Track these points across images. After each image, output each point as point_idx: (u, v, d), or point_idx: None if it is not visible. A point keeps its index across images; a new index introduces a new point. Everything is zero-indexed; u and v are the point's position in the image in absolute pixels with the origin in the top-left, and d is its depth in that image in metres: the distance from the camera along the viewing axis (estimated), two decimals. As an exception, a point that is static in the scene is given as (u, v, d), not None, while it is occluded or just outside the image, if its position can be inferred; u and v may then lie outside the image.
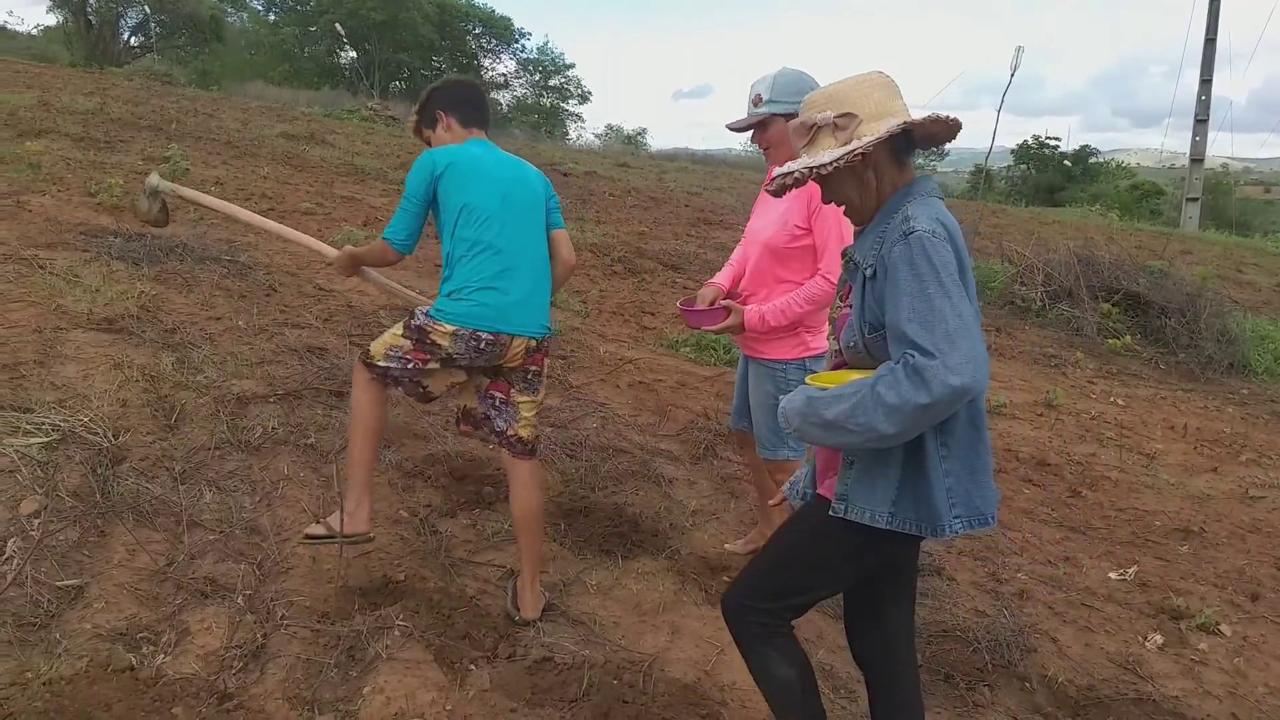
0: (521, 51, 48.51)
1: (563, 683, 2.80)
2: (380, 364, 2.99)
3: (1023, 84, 11.77)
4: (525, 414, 3.11)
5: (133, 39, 35.78)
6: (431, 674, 2.71)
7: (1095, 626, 3.75)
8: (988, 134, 11.67)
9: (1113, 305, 9.73)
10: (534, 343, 3.03)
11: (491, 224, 2.97)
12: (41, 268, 5.56)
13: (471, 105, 3.25)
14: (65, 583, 2.86)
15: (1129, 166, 47.87)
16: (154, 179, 3.74)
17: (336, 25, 33.28)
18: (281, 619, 2.91)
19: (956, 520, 1.98)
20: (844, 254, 2.19)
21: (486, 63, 48.64)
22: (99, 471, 3.43)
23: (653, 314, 8.12)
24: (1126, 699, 3.28)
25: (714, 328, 3.24)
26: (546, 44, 70.67)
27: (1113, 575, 4.22)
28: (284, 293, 6.19)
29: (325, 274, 6.59)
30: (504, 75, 49.15)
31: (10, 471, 3.32)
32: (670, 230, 12.89)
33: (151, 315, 5.08)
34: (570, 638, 3.05)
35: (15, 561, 2.87)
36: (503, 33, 47.32)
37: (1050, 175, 42.68)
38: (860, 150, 1.95)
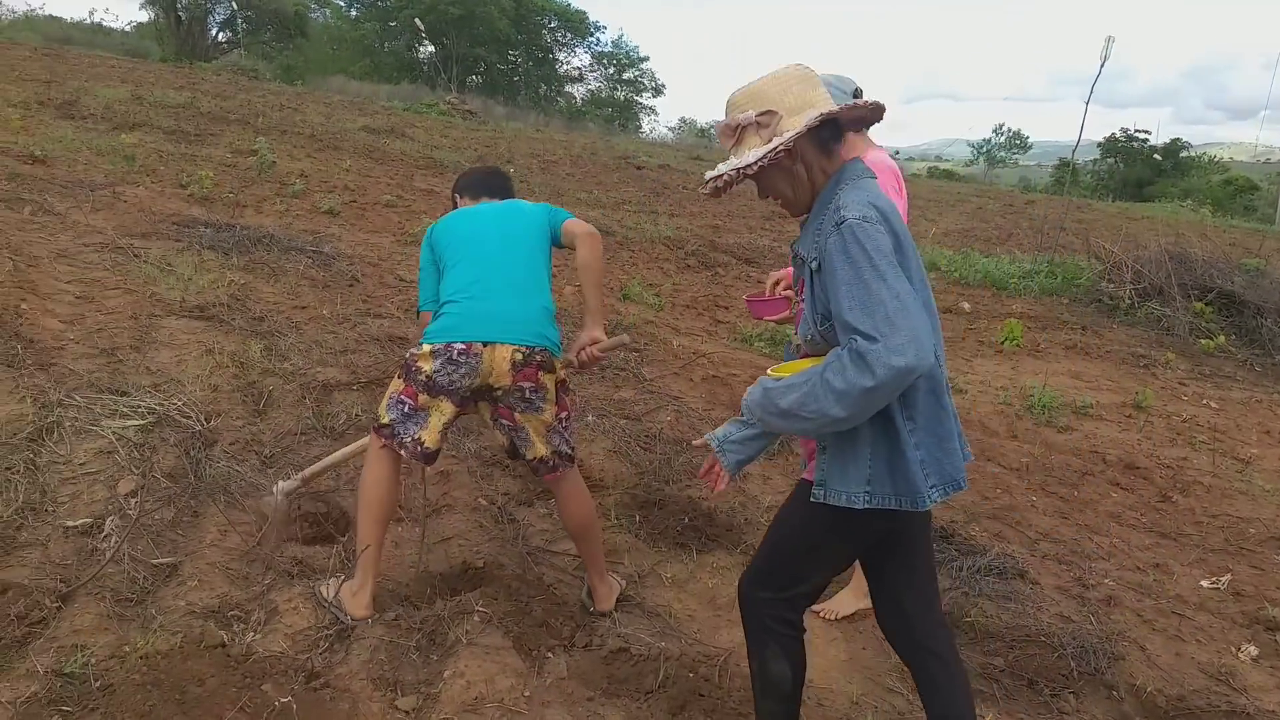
0: (596, 45, 48.71)
1: (639, 674, 2.81)
2: (385, 419, 2.91)
3: (1110, 75, 11.43)
4: (534, 436, 2.95)
5: (220, 35, 36.87)
6: (510, 660, 2.74)
7: (1186, 636, 3.62)
8: (1073, 126, 11.34)
9: (1206, 304, 9.37)
10: (519, 355, 2.83)
11: (466, 248, 2.99)
12: (137, 256, 5.77)
13: (478, 184, 3.32)
14: (160, 560, 2.97)
15: (1222, 161, 45.96)
16: (282, 485, 3.37)
17: (416, 20, 33.84)
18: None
19: (933, 489, 2.02)
20: (791, 249, 2.20)
21: (561, 56, 49.00)
22: (192, 454, 3.55)
23: (726, 308, 8.09)
24: (1219, 711, 3.16)
25: (774, 317, 3.21)
26: (621, 37, 70.81)
27: (1205, 583, 4.07)
28: (366, 283, 6.32)
29: (406, 265, 6.72)
30: (578, 69, 49.46)
31: (109, 453, 3.46)
32: (744, 224, 12.82)
33: (241, 303, 5.24)
34: (646, 629, 3.05)
35: (114, 539, 2.99)
36: (578, 26, 47.59)
37: (1139, 169, 41.22)
38: (782, 146, 1.98)
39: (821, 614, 3.37)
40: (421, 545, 3.28)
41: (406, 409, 2.88)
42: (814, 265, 2.01)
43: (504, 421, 2.97)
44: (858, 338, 1.83)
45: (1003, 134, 67.52)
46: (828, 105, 2.04)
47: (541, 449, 2.97)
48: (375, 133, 15.30)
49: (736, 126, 2.06)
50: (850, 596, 3.44)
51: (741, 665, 2.92)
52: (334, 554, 3.23)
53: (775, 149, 1.98)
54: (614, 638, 2.96)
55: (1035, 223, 15.84)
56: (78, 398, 3.77)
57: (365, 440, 3.31)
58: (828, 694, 2.89)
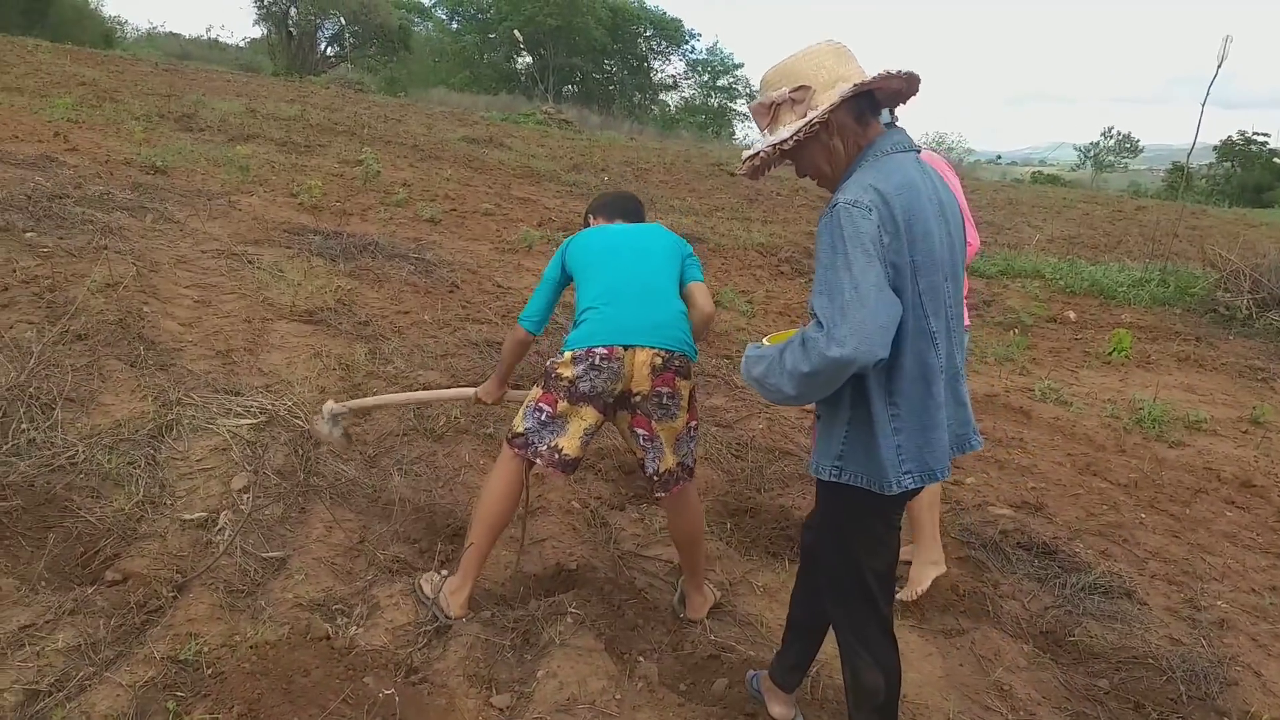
0: (691, 52, 48.76)
1: (730, 682, 2.80)
2: (520, 429, 2.91)
3: (1227, 75, 10.88)
4: (667, 446, 2.91)
5: (329, 49, 38.23)
6: (602, 662, 2.77)
7: (1309, 664, 3.43)
8: (1186, 129, 10.86)
9: (1331, 315, 8.85)
10: (659, 359, 2.80)
11: (603, 260, 2.99)
12: (250, 263, 6.03)
13: (614, 208, 3.34)
14: (270, 554, 3.10)
15: (1348, 165, 43.26)
16: (329, 406, 3.65)
17: (515, 32, 34.47)
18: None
19: (907, 476, 2.03)
20: None
21: (656, 64, 49.21)
22: (301, 452, 3.69)
23: (821, 316, 7.99)
24: (1344, 745, 2.98)
25: None
26: (716, 44, 70.73)
27: (1330, 610, 3.85)
28: (465, 289, 6.47)
29: (504, 272, 6.85)
30: (673, 76, 49.59)
31: (224, 450, 3.62)
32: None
33: (347, 308, 5.42)
34: (737, 637, 3.04)
35: (227, 533, 3.13)
36: (673, 34, 47.72)
37: (1258, 174, 39.11)
38: (817, 119, 1.99)
39: (903, 597, 3.37)
40: (521, 545, 3.33)
41: (544, 416, 2.87)
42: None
43: (640, 432, 2.91)
44: (813, 322, 1.92)
45: (1111, 137, 65.10)
46: (860, 77, 2.02)
47: (670, 460, 2.92)
48: (474, 143, 15.64)
49: (771, 105, 2.06)
50: (920, 569, 3.43)
51: (835, 677, 2.88)
52: (437, 553, 3.31)
53: (810, 122, 1.99)
54: (706, 644, 2.96)
55: (1146, 229, 15.21)
56: (195, 397, 3.97)
57: (422, 393, 3.64)
58: (923, 710, 2.83)
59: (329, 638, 2.72)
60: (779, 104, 2.05)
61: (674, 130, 35.80)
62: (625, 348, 2.79)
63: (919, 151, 2.14)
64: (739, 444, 4.56)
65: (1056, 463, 5.07)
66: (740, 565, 3.53)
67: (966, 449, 2.23)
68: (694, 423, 2.97)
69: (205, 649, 2.58)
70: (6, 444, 3.36)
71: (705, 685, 2.79)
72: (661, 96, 49.63)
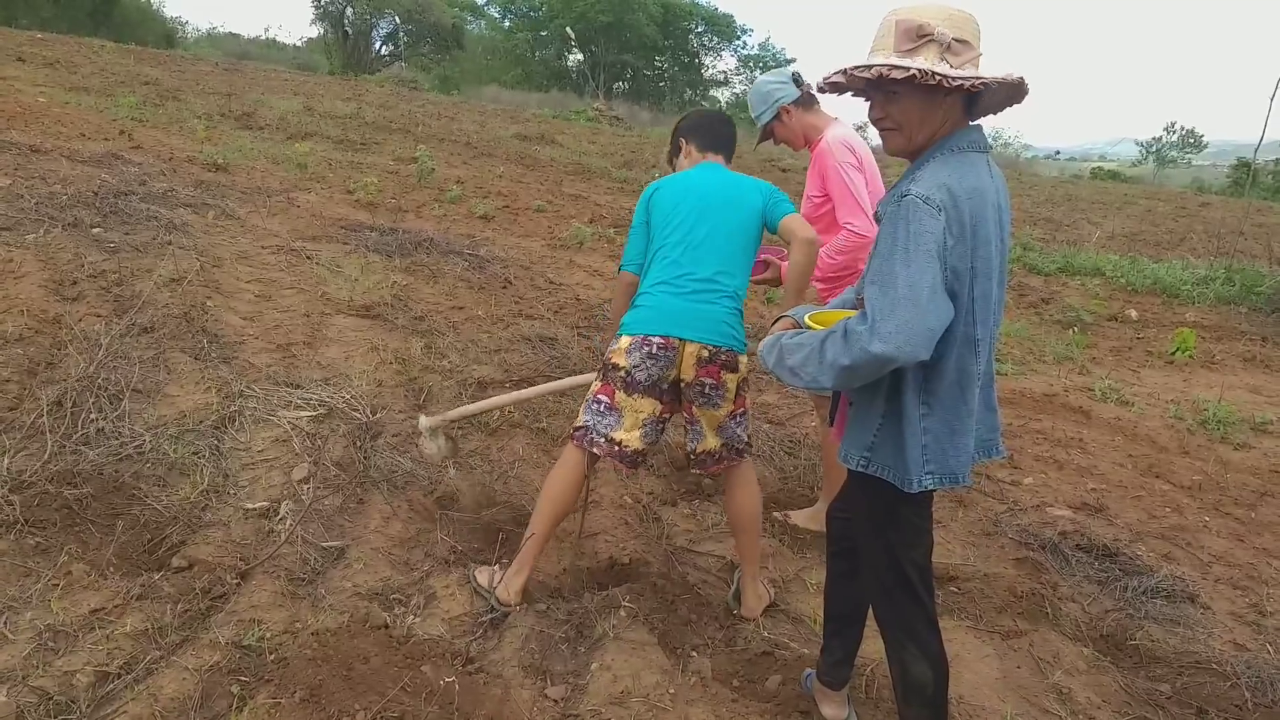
0: (743, 48, 48.57)
1: (783, 679, 2.79)
2: (580, 421, 2.98)
3: (1299, 66, 10.49)
4: (706, 430, 2.97)
5: (383, 48, 38.78)
6: (655, 657, 2.78)
7: (1384, 675, 3.31)
8: (1253, 124, 10.55)
9: None
10: (705, 353, 2.86)
11: (677, 231, 2.99)
12: (309, 258, 6.13)
13: (708, 132, 3.28)
14: (329, 544, 3.15)
15: None
16: (423, 421, 3.61)
17: (567, 29, 34.69)
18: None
19: (929, 476, 2.04)
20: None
21: (707, 60, 49.08)
22: (359, 444, 3.75)
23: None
24: None
25: (757, 278, 3.35)
26: (768, 40, 70.28)
27: (1407, 620, 3.71)
28: (519, 285, 6.52)
29: (555, 268, 6.89)
30: (724, 72, 49.45)
31: (284, 441, 3.69)
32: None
33: (403, 303, 5.49)
34: (790, 634, 3.03)
35: (288, 522, 3.20)
36: (724, 30, 47.59)
37: (1328, 169, 37.90)
38: (984, 80, 1.90)
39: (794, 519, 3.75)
40: (578, 536, 3.36)
41: (601, 408, 2.94)
42: (877, 221, 2.03)
43: (684, 415, 3.02)
44: (861, 313, 1.90)
45: (1174, 132, 63.52)
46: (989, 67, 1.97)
47: (712, 442, 2.99)
48: (526, 140, 15.75)
49: (925, 35, 1.91)
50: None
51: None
52: (498, 541, 3.34)
53: (972, 79, 1.88)
54: (759, 641, 2.95)
55: (1210, 226, 14.82)
56: (257, 389, 4.05)
57: (503, 397, 3.61)
58: (980, 711, 2.79)
59: (387, 626, 2.77)
60: (933, 40, 1.91)
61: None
62: (679, 339, 2.86)
63: (990, 149, 2.10)
64: (792, 441, 4.53)
65: (1117, 464, 4.97)
66: (793, 563, 3.52)
67: (992, 455, 2.21)
68: (741, 410, 3.02)
69: (268, 635, 2.64)
70: (77, 433, 3.47)
71: (758, 682, 2.78)
72: (712, 92, 49.49)
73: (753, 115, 3.64)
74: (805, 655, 2.90)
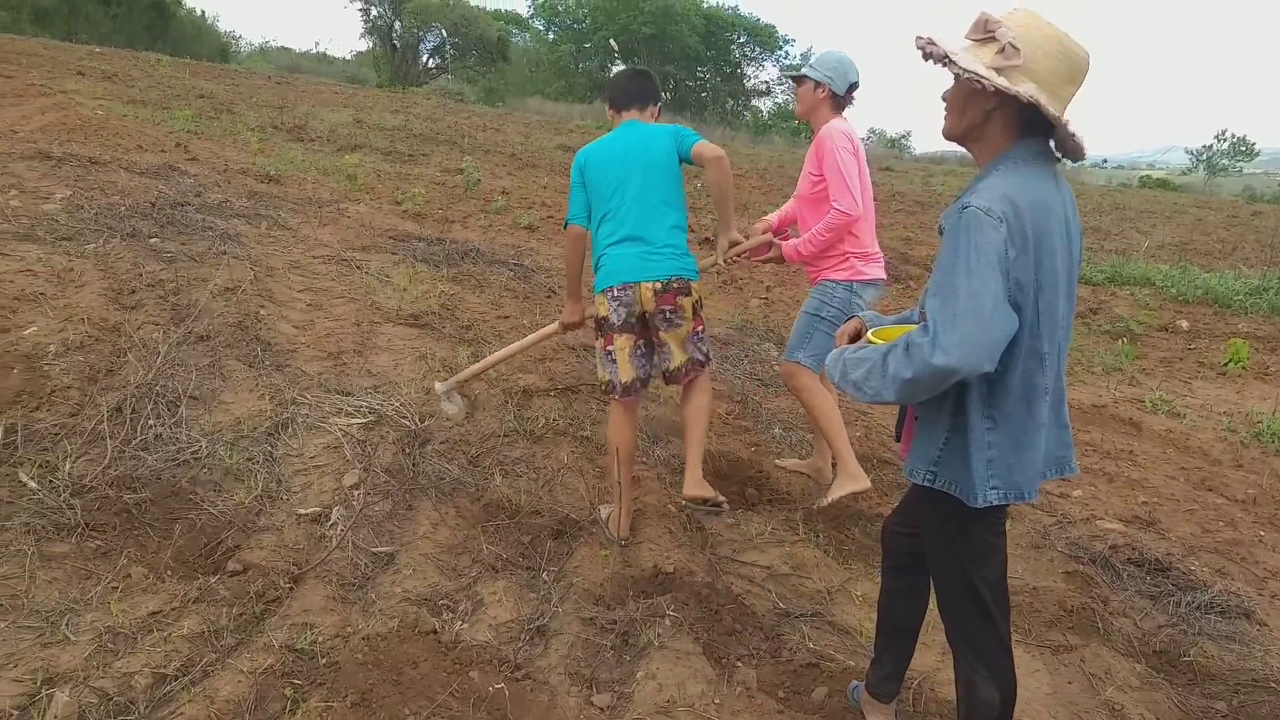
0: (785, 58, 48.47)
1: (829, 690, 2.79)
2: (603, 377, 3.60)
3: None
4: (675, 348, 3.54)
5: (430, 61, 39.29)
6: (700, 666, 2.78)
7: None
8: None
9: None
10: (659, 285, 3.45)
11: (610, 196, 3.54)
12: (359, 268, 6.24)
13: (618, 92, 3.77)
14: (379, 549, 3.20)
15: None
16: (438, 386, 4.33)
17: (611, 41, 34.87)
18: (562, 598, 3.10)
19: (993, 491, 2.03)
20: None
21: (749, 71, 49.03)
22: (408, 451, 3.81)
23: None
24: None
25: (760, 258, 3.98)
26: (809, 50, 70.11)
27: None
28: (562, 295, 6.56)
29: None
30: (765, 83, 49.35)
31: (336, 447, 3.76)
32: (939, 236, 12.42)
33: (450, 312, 5.56)
34: (836, 646, 3.02)
35: (339, 528, 3.26)
36: (767, 40, 47.53)
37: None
38: (985, 82, 1.90)
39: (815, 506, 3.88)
40: (615, 548, 3.38)
41: (610, 356, 3.55)
42: (941, 236, 2.02)
43: (654, 341, 3.58)
44: (923, 325, 1.89)
45: (1225, 140, 62.19)
46: (1058, 103, 1.95)
47: (680, 358, 3.56)
48: (570, 151, 15.85)
49: (990, 32, 1.97)
50: (840, 482, 3.79)
51: (938, 690, 2.85)
52: (545, 552, 3.38)
53: (981, 78, 1.90)
54: (804, 652, 2.95)
55: (1263, 236, 14.51)
56: (309, 396, 4.13)
57: (512, 346, 4.32)
58: (1029, 728, 2.76)
59: (436, 632, 2.81)
60: (995, 40, 1.96)
61: (766, 136, 35.62)
62: (634, 283, 3.46)
63: (1059, 161, 2.08)
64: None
65: (1169, 476, 4.88)
66: (838, 574, 3.50)
67: (1065, 473, 2.18)
68: (700, 328, 3.61)
69: (320, 639, 2.69)
70: (136, 439, 3.56)
71: (804, 693, 2.78)
72: (754, 102, 49.44)
73: (807, 63, 4.04)
74: (851, 667, 2.89)
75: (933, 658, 2.95)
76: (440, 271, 6.45)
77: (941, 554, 2.22)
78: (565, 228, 3.72)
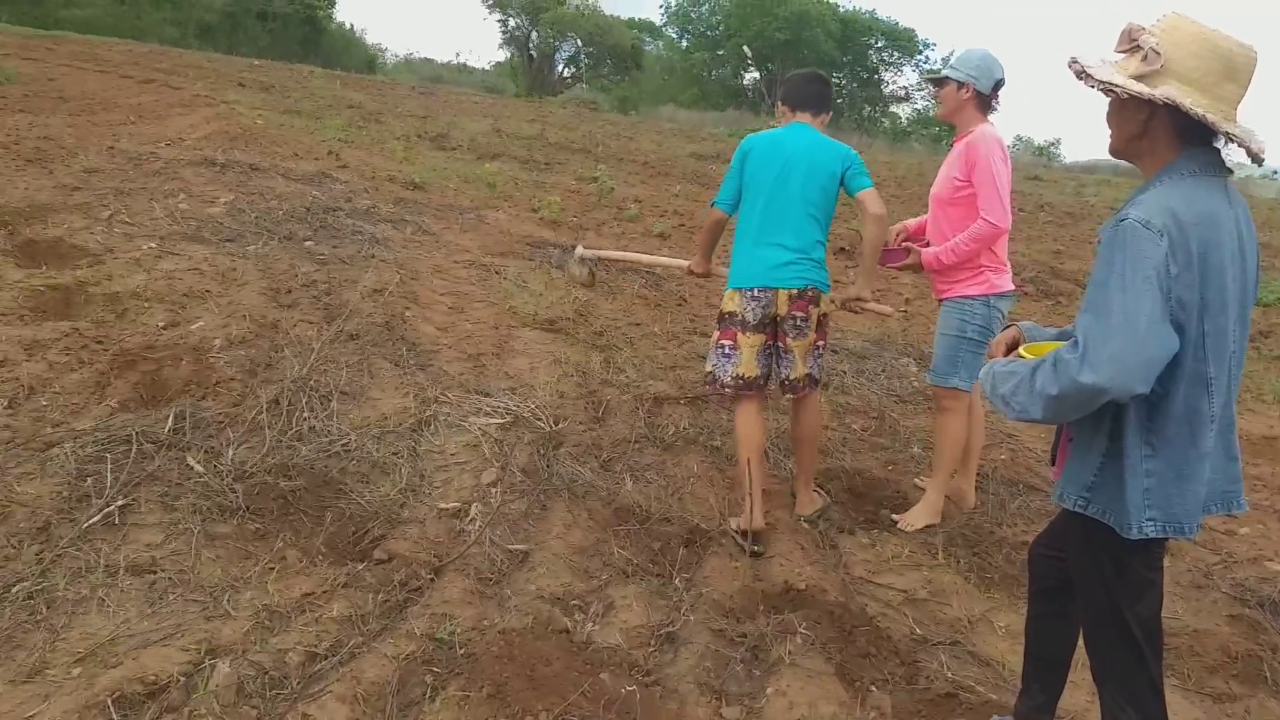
0: (925, 63, 47.28)
1: (968, 722, 2.68)
2: (707, 368, 3.72)
3: None
4: (799, 358, 3.60)
5: (565, 70, 40.11)
6: (832, 687, 2.73)
7: None
8: None
9: None
10: (794, 292, 3.52)
11: (760, 195, 3.59)
12: (497, 274, 6.40)
13: (795, 92, 3.77)
14: (514, 547, 3.27)
15: None
16: (580, 250, 4.95)
17: (744, 47, 34.81)
18: (692, 607, 3.09)
19: (1150, 523, 1.92)
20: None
21: (887, 76, 48.03)
22: (543, 453, 3.88)
23: (1064, 343, 7.52)
24: None
25: (897, 265, 3.93)
26: (951, 55, 68.10)
27: None
28: (693, 303, 6.58)
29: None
30: (904, 88, 48.24)
31: (475, 446, 3.87)
32: (1090, 249, 11.85)
33: (584, 319, 5.65)
34: (977, 677, 2.90)
35: (478, 524, 3.34)
36: (906, 45, 46.44)
37: None
38: (1125, 90, 1.86)
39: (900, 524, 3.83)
40: (746, 560, 3.35)
41: (725, 350, 3.64)
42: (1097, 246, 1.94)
43: (779, 345, 3.65)
44: (1073, 341, 1.83)
45: None
46: (1224, 112, 1.86)
47: (800, 369, 3.62)
48: (702, 159, 15.89)
49: (1134, 41, 1.93)
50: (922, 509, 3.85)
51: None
52: (677, 560, 3.39)
53: (1116, 86, 1.88)
54: (942, 680, 2.84)
55: None
56: (450, 396, 4.26)
57: (650, 257, 5.01)
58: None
59: (568, 631, 2.84)
60: (1140, 48, 1.92)
61: (905, 143, 34.81)
62: (771, 288, 3.53)
63: (1231, 174, 1.96)
64: (980, 475, 4.35)
65: (1347, 518, 4.51)
66: (979, 602, 3.37)
67: (1232, 508, 2.05)
68: (821, 342, 3.68)
69: (458, 630, 2.76)
70: (291, 430, 3.75)
71: (941, 722, 2.69)
72: (892, 109, 48.40)
73: (949, 63, 3.97)
74: (993, 701, 2.77)
75: (1082, 697, 2.80)
76: (575, 277, 6.55)
77: (1092, 586, 2.11)
78: (710, 207, 3.83)
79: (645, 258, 5.10)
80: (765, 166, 3.60)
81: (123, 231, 6.08)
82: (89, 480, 3.17)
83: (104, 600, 2.67)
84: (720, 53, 43.98)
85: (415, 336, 4.92)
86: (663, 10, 46.53)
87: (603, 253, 5.13)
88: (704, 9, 45.51)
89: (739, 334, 3.61)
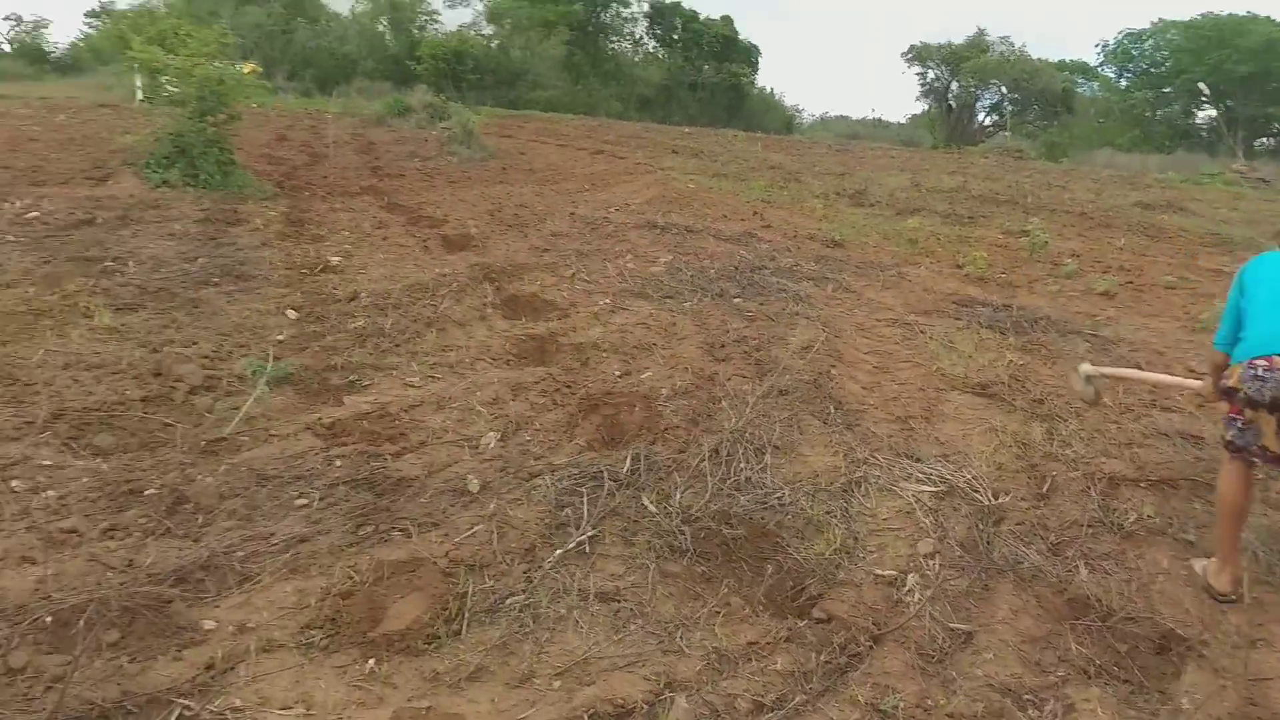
0: None
1: None
2: (1227, 436, 3.43)
3: None
4: None
5: (986, 119, 38.60)
6: None
7: None
8: None
9: None
10: None
11: (1264, 285, 3.40)
12: (922, 333, 6.27)
13: None
14: (957, 626, 3.12)
15: None
16: (1085, 368, 4.69)
17: (1200, 84, 31.09)
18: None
19: None
20: None
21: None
22: (981, 528, 3.68)
23: None
24: None
25: None
26: None
27: None
28: (1152, 370, 5.91)
29: (1195, 354, 6.12)
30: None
31: (908, 513, 3.77)
32: None
33: (1019, 384, 5.32)
34: None
35: (917, 595, 3.24)
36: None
37: None
38: None
39: None
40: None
41: (1239, 425, 3.37)
42: None
43: None
44: None
45: None
46: None
47: None
48: (1149, 208, 14.39)
49: None
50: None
51: None
52: (1137, 669, 3.03)
53: None
54: None
55: None
56: (879, 458, 4.21)
57: (1177, 380, 4.55)
58: None
59: (1025, 729, 2.64)
60: None
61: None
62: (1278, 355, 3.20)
63: None
64: None
65: None
66: None
67: None
68: None
69: (902, 705, 2.68)
70: (730, 479, 3.93)
71: None
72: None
73: None
74: None
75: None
76: (1007, 339, 6.20)
77: None
78: (1213, 348, 3.67)
79: (1155, 377, 4.83)
80: (1263, 274, 3.45)
81: (583, 288, 6.86)
82: (566, 510, 3.56)
83: (578, 622, 2.97)
84: (1167, 90, 39.74)
85: (841, 395, 4.95)
86: (1098, 50, 43.22)
87: (1108, 370, 4.83)
88: (1146, 45, 41.52)
89: (1245, 410, 3.33)
